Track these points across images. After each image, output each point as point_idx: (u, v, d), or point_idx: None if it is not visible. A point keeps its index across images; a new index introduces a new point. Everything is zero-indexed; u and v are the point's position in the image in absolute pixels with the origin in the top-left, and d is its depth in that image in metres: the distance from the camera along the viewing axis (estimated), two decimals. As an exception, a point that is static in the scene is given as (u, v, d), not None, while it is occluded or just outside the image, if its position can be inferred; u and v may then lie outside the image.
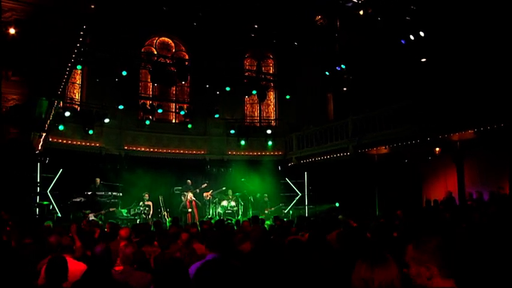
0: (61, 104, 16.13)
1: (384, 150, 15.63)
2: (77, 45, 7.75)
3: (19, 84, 8.83)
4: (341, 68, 18.25)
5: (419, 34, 15.03)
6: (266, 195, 17.31)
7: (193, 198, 16.12)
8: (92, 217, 13.68)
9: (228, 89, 17.86)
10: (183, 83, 18.38)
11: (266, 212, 16.61)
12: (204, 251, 5.07)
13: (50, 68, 8.27)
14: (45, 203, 13.82)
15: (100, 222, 12.38)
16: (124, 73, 15.87)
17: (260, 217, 12.64)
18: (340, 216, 10.96)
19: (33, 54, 7.52)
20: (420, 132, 13.48)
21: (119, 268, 5.00)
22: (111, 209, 14.59)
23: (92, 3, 6.32)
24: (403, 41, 15.59)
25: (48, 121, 11.82)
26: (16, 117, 9.87)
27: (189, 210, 15.83)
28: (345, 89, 18.55)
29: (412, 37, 15.28)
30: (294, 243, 4.50)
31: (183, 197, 16.24)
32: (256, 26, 18.40)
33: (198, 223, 11.21)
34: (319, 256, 4.36)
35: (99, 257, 4.34)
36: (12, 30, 6.15)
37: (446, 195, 15.01)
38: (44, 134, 12.76)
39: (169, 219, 14.25)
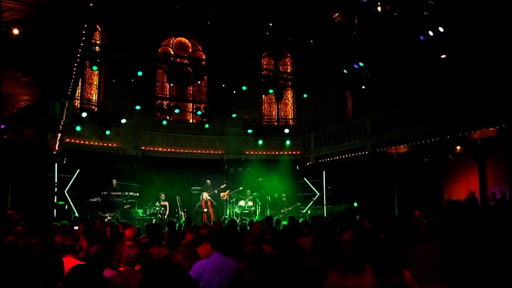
0: (78, 105, 16.67)
1: (402, 149, 15.32)
2: (80, 45, 7.73)
3: (30, 85, 8.86)
4: (359, 65, 17.98)
5: (438, 29, 14.75)
6: (284, 195, 17.21)
7: (208, 198, 16.14)
8: (108, 217, 13.81)
9: (244, 88, 17.77)
10: (199, 82, 18.41)
11: (283, 211, 16.50)
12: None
13: (55, 69, 8.33)
14: (61, 203, 14.05)
15: (116, 222, 12.50)
16: (140, 73, 15.95)
17: (275, 217, 12.52)
18: (357, 217, 10.89)
19: (35, 55, 7.60)
20: (439, 131, 13.18)
21: (136, 268, 4.99)
22: (125, 207, 14.67)
23: (91, 1, 6.35)
24: (421, 37, 15.32)
25: (62, 122, 11.95)
26: (28, 118, 10.00)
27: (205, 210, 15.86)
28: (363, 87, 18.24)
29: (431, 33, 15.01)
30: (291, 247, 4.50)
31: (201, 197, 16.29)
32: (273, 25, 18.37)
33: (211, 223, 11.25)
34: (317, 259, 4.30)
35: (92, 257, 4.24)
36: (15, 31, 6.23)
37: (468, 195, 14.63)
38: (59, 135, 12.93)
39: (183, 219, 14.33)
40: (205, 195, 16.12)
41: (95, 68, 15.60)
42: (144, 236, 7.90)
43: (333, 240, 5.25)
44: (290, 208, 16.91)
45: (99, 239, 6.37)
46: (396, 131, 14.78)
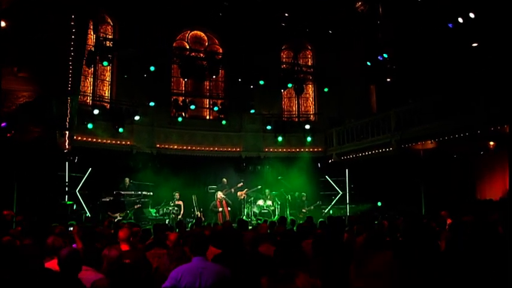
0: (89, 102, 16.56)
1: (429, 145, 14.63)
2: (72, 38, 7.46)
3: (27, 81, 8.77)
4: (383, 57, 17.20)
5: (468, 16, 13.90)
6: (304, 194, 16.80)
7: (223, 197, 15.79)
8: (118, 217, 13.58)
9: (261, 82, 17.36)
10: (214, 77, 18.07)
11: (304, 211, 16.09)
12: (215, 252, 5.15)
13: (49, 63, 8.13)
14: (69, 202, 13.83)
15: (124, 222, 12.26)
16: (152, 68, 15.71)
17: (290, 218, 12.22)
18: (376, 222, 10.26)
19: (27, 49, 7.37)
20: (469, 125, 12.42)
21: None
22: (136, 207, 14.48)
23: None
24: (450, 25, 14.49)
25: (68, 119, 11.77)
26: (28, 115, 9.85)
27: (220, 209, 15.52)
28: (388, 79, 17.55)
29: (460, 20, 14.18)
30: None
31: (215, 196, 16.01)
32: (292, 16, 17.83)
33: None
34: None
35: (63, 260, 4.02)
36: (2, 23, 5.95)
37: (503, 194, 13.85)
38: (67, 133, 12.77)
39: (193, 221, 14.00)
40: (220, 194, 15.76)
41: (105, 63, 15.39)
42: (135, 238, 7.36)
43: (333, 242, 5.15)
44: (312, 207, 16.48)
45: (95, 241, 6.22)
46: (422, 125, 14.13)
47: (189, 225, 11.85)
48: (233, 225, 10.07)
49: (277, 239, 6.52)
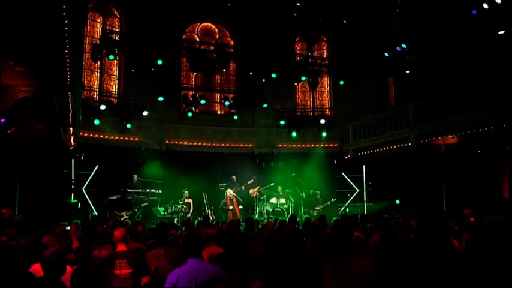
0: (96, 97, 16.45)
1: (451, 139, 14.06)
2: (65, 29, 7.16)
3: (26, 75, 8.53)
4: (402, 47, 16.47)
5: (494, 1, 13.21)
6: (318, 191, 16.38)
7: (233, 194, 15.50)
8: (124, 216, 13.44)
9: (274, 75, 16.91)
10: (224, 70, 17.63)
11: (317, 209, 15.73)
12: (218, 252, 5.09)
13: (44, 57, 7.88)
14: (74, 201, 13.69)
15: (129, 221, 12.04)
16: (159, 62, 15.36)
17: (305, 216, 12.28)
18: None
19: (20, 42, 7.11)
20: (495, 118, 11.79)
21: (125, 271, 4.94)
22: (143, 205, 14.29)
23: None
24: (474, 12, 13.82)
25: (70, 114, 11.54)
26: (27, 111, 9.64)
27: (230, 208, 15.22)
28: (407, 71, 16.93)
29: (485, 6, 13.50)
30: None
31: (225, 194, 15.76)
32: (306, 6, 17.37)
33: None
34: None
35: (46, 262, 3.96)
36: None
37: (530, 191, 13.07)
38: (71, 129, 12.54)
39: (200, 219, 13.80)
40: (229, 192, 15.47)
41: (111, 57, 15.11)
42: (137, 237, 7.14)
43: (336, 242, 5.04)
44: (328, 203, 16.03)
45: (93, 241, 6.02)
46: (443, 119, 13.58)
47: (196, 222, 11.63)
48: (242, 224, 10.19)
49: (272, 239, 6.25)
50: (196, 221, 11.95)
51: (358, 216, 10.84)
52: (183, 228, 9.26)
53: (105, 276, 3.53)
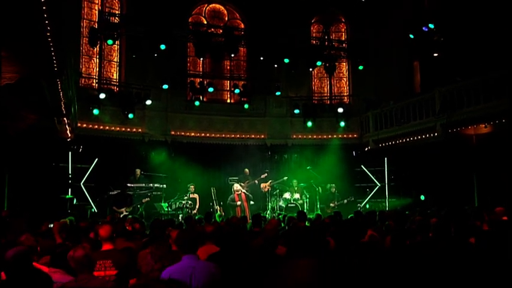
0: (95, 85, 16.06)
1: (483, 129, 13.43)
2: (43, 9, 6.64)
3: (9, 61, 8.06)
4: (429, 28, 15.90)
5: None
6: (333, 185, 15.95)
7: (240, 189, 15.09)
8: (124, 212, 13.10)
9: (286, 60, 16.38)
10: (233, 55, 17.16)
11: (332, 205, 15.29)
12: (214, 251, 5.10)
13: (24, 40, 7.41)
14: (69, 196, 13.38)
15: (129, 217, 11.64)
16: (163, 47, 14.89)
17: (316, 212, 11.98)
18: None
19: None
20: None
21: (110, 272, 4.88)
22: (143, 201, 14.00)
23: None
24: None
25: (62, 103, 11.11)
26: (9, 98, 9.20)
27: (238, 203, 14.82)
28: (435, 54, 16.22)
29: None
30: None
31: (232, 189, 15.41)
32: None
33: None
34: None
35: (8, 264, 3.94)
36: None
37: None
38: (66, 120, 12.15)
39: (218, 213, 13.73)
40: (237, 187, 15.08)
41: (110, 42, 14.63)
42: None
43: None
44: (344, 202, 15.54)
45: (78, 239, 6.18)
46: (474, 106, 12.95)
47: (197, 218, 11.15)
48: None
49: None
50: (197, 217, 11.52)
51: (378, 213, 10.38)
52: (184, 225, 9.00)
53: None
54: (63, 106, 11.68)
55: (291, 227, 8.29)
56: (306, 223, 8.74)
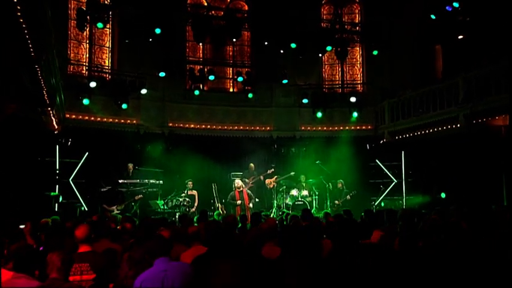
0: (85, 73, 15.70)
1: (514, 119, 12.80)
2: None
3: None
4: (453, 7, 15.37)
5: None
6: (341, 181, 15.75)
7: (242, 186, 14.67)
8: (115, 211, 12.91)
9: (293, 45, 15.92)
10: (234, 40, 16.70)
11: (337, 203, 15.25)
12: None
13: None
14: (54, 194, 13.05)
15: (119, 217, 11.27)
16: (158, 31, 14.54)
17: (326, 211, 11.44)
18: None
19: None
20: None
21: (87, 277, 4.85)
22: (136, 198, 13.72)
23: None
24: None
25: (45, 92, 10.61)
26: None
27: (238, 202, 14.38)
28: (460, 36, 15.78)
29: None
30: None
31: (233, 186, 15.05)
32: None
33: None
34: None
35: None
36: None
37: None
38: (50, 110, 11.65)
39: (217, 212, 13.32)
40: (238, 183, 14.63)
41: (100, 25, 14.22)
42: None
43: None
44: (347, 197, 15.26)
45: (59, 240, 5.87)
46: (502, 94, 12.34)
47: (195, 218, 10.81)
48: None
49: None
50: (196, 217, 11.14)
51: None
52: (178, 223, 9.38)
53: None
54: (45, 95, 11.27)
55: (284, 226, 8.42)
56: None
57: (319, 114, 17.63)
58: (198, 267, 4.40)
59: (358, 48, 18.88)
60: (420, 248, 5.20)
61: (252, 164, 16.06)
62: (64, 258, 4.26)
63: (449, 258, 4.64)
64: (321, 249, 5.17)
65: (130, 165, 14.71)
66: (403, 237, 5.41)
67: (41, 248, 6.03)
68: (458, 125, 13.99)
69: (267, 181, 15.78)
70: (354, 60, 19.07)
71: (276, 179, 15.75)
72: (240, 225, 8.92)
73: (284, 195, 15.50)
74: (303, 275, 4.23)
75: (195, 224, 8.76)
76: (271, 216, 14.30)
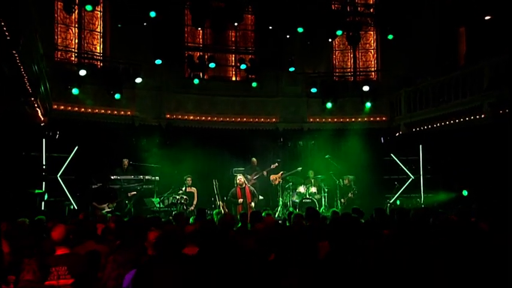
0: (74, 60, 15.43)
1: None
2: None
3: None
4: None
5: None
6: (348, 177, 15.53)
7: (244, 182, 14.30)
8: (106, 209, 12.74)
9: (300, 30, 15.66)
10: (236, 24, 16.41)
11: (342, 201, 15.09)
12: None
13: None
14: (38, 191, 12.87)
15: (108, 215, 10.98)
16: (153, 14, 14.27)
17: (332, 209, 10.96)
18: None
19: None
20: None
21: (65, 281, 4.78)
22: (129, 194, 13.66)
23: None
24: None
25: (25, 80, 10.18)
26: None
27: (240, 200, 14.01)
28: (487, 17, 15.44)
29: None
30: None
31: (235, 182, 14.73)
32: None
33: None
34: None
35: None
36: None
37: None
38: (34, 100, 11.32)
39: (217, 210, 12.74)
40: (240, 179, 14.24)
41: (89, 7, 13.85)
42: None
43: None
44: (350, 195, 15.14)
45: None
46: None
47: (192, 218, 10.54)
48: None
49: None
50: (193, 217, 10.76)
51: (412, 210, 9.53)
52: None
53: None
54: (27, 83, 10.90)
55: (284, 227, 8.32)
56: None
57: (329, 105, 17.38)
58: (141, 273, 4.26)
59: (372, 33, 18.64)
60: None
61: (254, 159, 15.84)
62: (40, 262, 4.35)
63: (453, 261, 4.52)
64: (317, 252, 5.04)
65: (126, 161, 14.56)
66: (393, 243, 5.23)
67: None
68: (483, 116, 13.58)
69: (272, 177, 15.53)
70: (367, 45, 18.83)
71: (281, 174, 15.54)
72: (240, 224, 8.71)
73: (291, 193, 15.38)
74: (296, 278, 4.25)
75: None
76: (276, 215, 14.12)
